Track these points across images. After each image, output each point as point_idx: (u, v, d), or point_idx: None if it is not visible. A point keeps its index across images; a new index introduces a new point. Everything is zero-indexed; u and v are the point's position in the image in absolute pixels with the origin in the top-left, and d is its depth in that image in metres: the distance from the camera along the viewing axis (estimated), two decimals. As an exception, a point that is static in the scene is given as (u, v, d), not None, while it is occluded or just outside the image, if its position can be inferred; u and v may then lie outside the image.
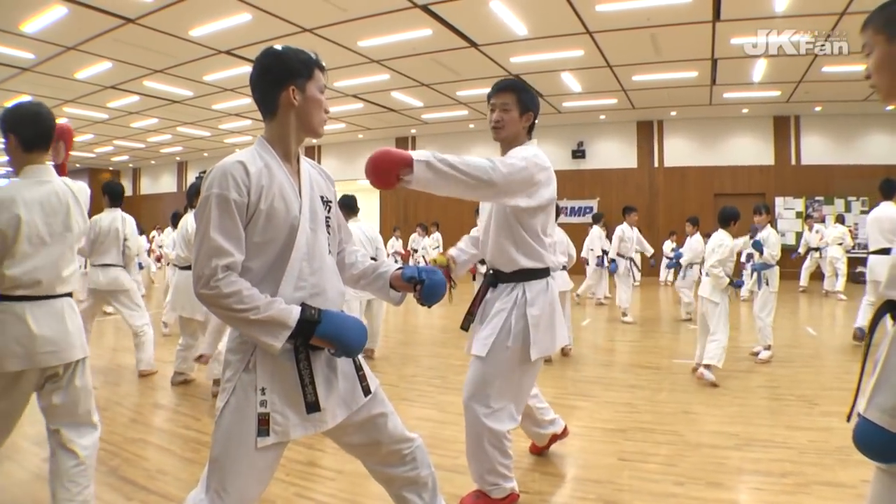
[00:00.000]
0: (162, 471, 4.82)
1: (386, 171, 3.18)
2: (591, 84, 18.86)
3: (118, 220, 7.92)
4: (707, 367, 7.25)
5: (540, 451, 5.26)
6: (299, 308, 2.47)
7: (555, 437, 5.18)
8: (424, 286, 2.87)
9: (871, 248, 9.04)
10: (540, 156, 3.91)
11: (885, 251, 8.57)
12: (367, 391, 2.79)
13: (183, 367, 7.54)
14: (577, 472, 4.96)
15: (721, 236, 7.88)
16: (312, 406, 2.53)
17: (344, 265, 3.01)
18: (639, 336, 11.01)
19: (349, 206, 8.48)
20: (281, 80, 2.59)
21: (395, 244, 21.37)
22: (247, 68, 16.29)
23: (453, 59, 16.17)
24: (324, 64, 2.72)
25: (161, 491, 4.41)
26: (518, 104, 4.06)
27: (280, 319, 2.41)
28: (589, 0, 12.37)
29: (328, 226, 2.76)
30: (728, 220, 7.99)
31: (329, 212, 2.79)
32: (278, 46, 2.65)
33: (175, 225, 11.39)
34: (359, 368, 2.80)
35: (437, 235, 20.65)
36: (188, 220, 7.17)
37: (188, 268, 7.20)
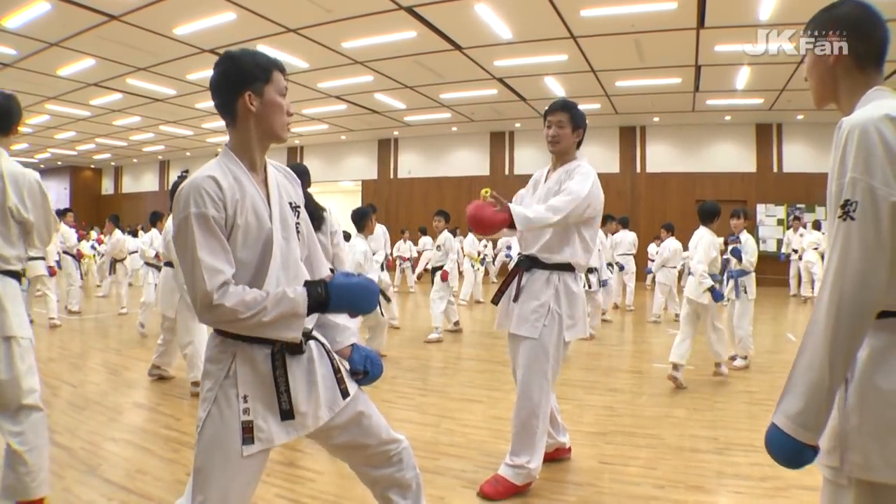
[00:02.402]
0: (142, 470, 4.78)
1: (489, 229, 4.22)
2: (574, 89, 18.90)
3: None
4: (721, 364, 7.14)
5: (555, 457, 5.22)
6: (305, 293, 2.45)
7: (561, 451, 5.18)
8: (367, 377, 2.89)
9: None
10: (592, 175, 4.71)
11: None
12: (345, 394, 2.75)
13: (160, 361, 7.54)
14: (558, 475, 4.95)
15: (702, 232, 7.89)
16: (287, 414, 2.52)
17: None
18: (620, 340, 11.04)
19: (355, 221, 8.80)
20: (237, 86, 2.51)
21: (403, 247, 20.36)
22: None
23: (437, 61, 16.18)
24: (283, 66, 2.66)
25: (141, 491, 4.38)
26: (571, 122, 4.84)
27: (291, 312, 2.40)
28: (574, 5, 12.40)
29: (298, 231, 2.72)
30: (709, 216, 7.95)
31: (298, 217, 2.75)
32: (235, 51, 2.57)
33: (154, 224, 11.36)
34: (336, 371, 2.75)
35: (425, 240, 20.35)
36: (172, 220, 7.14)
37: (169, 264, 7.18)
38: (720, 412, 6.59)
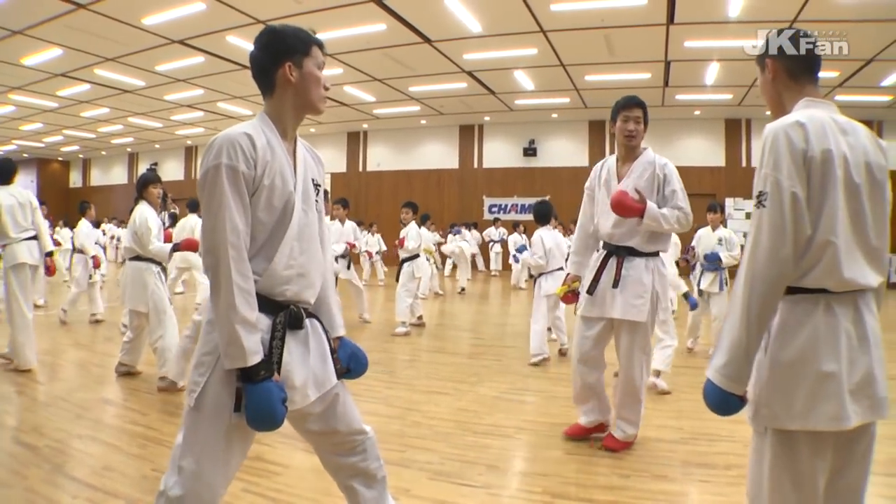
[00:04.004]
0: (108, 467, 4.69)
1: (628, 212, 4.81)
2: (543, 82, 18.99)
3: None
4: (658, 374, 7.12)
5: (576, 434, 5.48)
6: (260, 357, 2.43)
7: (600, 427, 5.44)
8: (348, 374, 2.99)
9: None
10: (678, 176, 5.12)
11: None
12: (339, 374, 2.85)
13: (127, 358, 7.41)
14: (524, 466, 4.99)
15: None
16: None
17: None
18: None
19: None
20: (278, 56, 2.60)
21: (372, 241, 20.24)
22: (199, 59, 16.23)
23: (407, 54, 16.18)
24: (322, 42, 2.73)
25: (107, 488, 4.30)
26: (644, 117, 5.09)
27: (242, 351, 2.38)
28: (544, -1, 12.37)
29: (317, 209, 2.79)
30: None
31: (318, 195, 2.82)
32: (277, 24, 2.68)
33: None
34: (333, 351, 2.85)
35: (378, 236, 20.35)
36: (138, 212, 7.04)
37: (137, 258, 7.10)
38: (685, 403, 6.64)
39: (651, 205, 4.81)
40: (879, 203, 2.37)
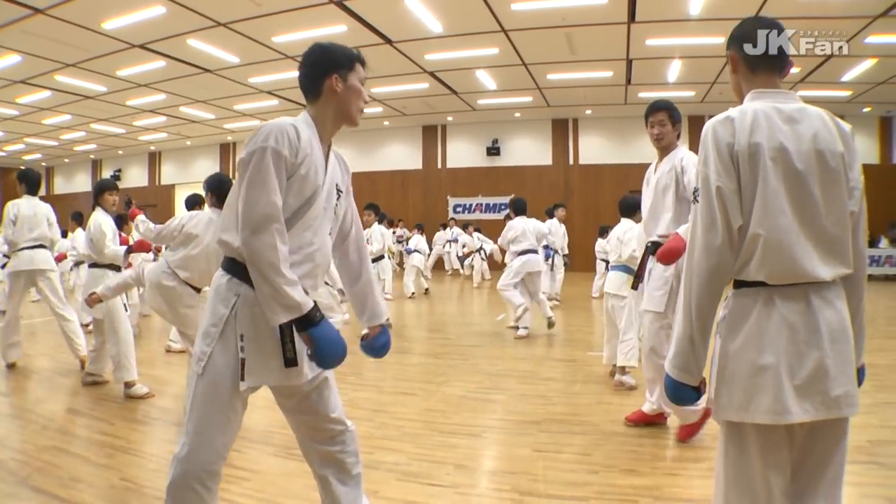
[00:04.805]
0: (76, 478, 4.60)
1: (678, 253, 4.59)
2: (506, 82, 19.06)
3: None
4: (623, 370, 7.11)
5: (637, 420, 5.70)
6: (312, 303, 2.65)
7: (660, 416, 5.68)
8: (376, 352, 3.35)
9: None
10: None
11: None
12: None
13: (93, 368, 7.33)
14: (492, 465, 4.99)
15: (628, 224, 7.59)
16: (291, 361, 2.72)
17: (344, 251, 3.27)
18: (553, 330, 11.08)
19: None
20: (327, 68, 2.86)
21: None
22: (161, 63, 16.14)
23: (368, 55, 15.57)
24: (365, 59, 3.01)
25: (75, 500, 4.23)
26: (670, 119, 5.36)
27: (296, 302, 2.57)
28: (504, -2, 12.41)
29: (334, 213, 2.97)
30: (632, 209, 7.63)
31: (338, 199, 2.99)
32: (325, 42, 2.97)
33: (78, 223, 11.25)
34: None
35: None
36: (93, 218, 7.00)
37: (95, 265, 7.05)
38: (653, 398, 6.66)
39: (679, 230, 4.82)
40: (835, 190, 2.34)
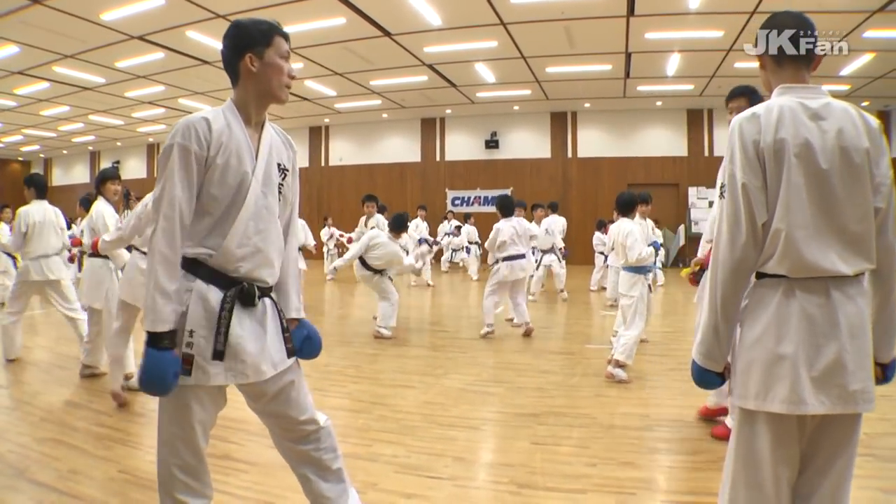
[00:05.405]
0: (74, 470, 4.60)
1: None
2: (504, 75, 19.01)
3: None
4: (618, 363, 7.08)
5: (703, 415, 5.72)
6: (168, 327, 2.58)
7: (723, 410, 5.56)
8: (301, 353, 3.10)
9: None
10: None
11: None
12: (290, 353, 2.96)
13: (90, 359, 7.32)
14: (490, 457, 5.01)
15: (628, 226, 7.44)
16: (218, 354, 2.66)
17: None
18: (550, 322, 11.10)
19: (400, 223, 9.96)
20: (240, 48, 2.80)
21: (326, 233, 20.79)
22: (159, 54, 16.08)
23: (367, 48, 16.09)
24: (286, 32, 2.91)
25: (73, 492, 4.23)
26: (750, 102, 5.00)
27: (153, 315, 2.55)
28: (503, -9, 12.37)
29: (280, 192, 2.93)
30: (629, 207, 7.64)
31: (283, 179, 2.96)
32: (241, 18, 2.87)
33: (86, 209, 11.21)
34: (285, 330, 2.96)
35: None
36: (96, 208, 6.98)
37: (95, 255, 7.04)
38: (651, 390, 6.72)
39: None
40: (858, 186, 2.35)
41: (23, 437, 5.37)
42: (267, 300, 2.89)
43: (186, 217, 2.63)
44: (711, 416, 5.60)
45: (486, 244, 9.67)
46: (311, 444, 3.08)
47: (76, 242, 10.88)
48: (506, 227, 9.63)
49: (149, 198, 5.88)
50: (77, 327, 7.85)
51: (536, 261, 13.53)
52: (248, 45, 2.79)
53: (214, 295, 2.69)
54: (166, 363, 2.55)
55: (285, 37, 2.89)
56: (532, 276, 12.81)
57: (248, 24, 2.82)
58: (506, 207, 9.86)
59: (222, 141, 2.69)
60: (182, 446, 2.71)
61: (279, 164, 2.94)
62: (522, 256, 9.69)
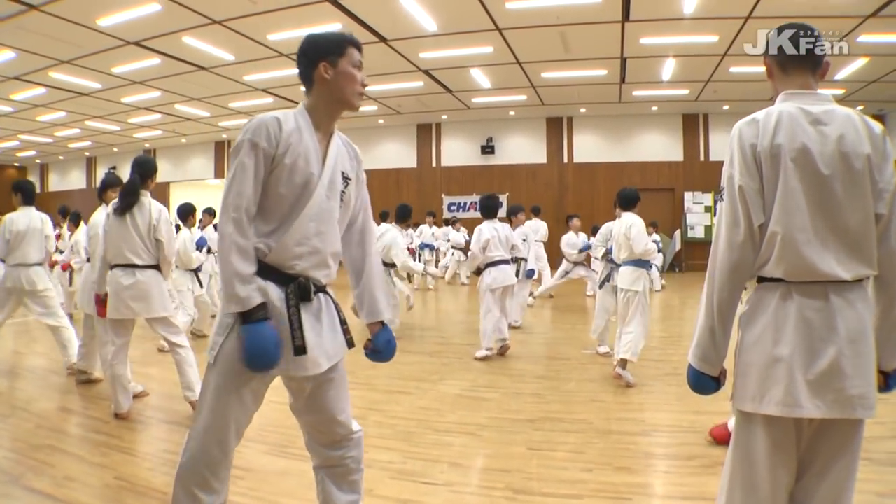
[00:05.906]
0: (70, 477, 4.59)
1: None
2: (500, 80, 19.05)
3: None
4: (624, 364, 7.07)
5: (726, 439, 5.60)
6: (256, 301, 2.67)
7: None
8: (378, 355, 3.30)
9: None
10: None
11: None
12: (350, 344, 3.08)
13: (83, 364, 7.30)
14: (486, 463, 4.98)
15: (631, 219, 7.42)
16: (300, 349, 2.75)
17: (347, 242, 3.20)
18: (544, 328, 11.10)
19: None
20: (314, 58, 2.90)
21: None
22: (156, 60, 16.08)
23: (363, 53, 16.00)
24: (359, 42, 3.00)
25: (69, 499, 4.22)
26: None
27: (238, 296, 2.63)
28: (498, -3, 12.40)
29: (342, 199, 2.99)
30: (631, 201, 7.61)
31: (346, 186, 3.02)
32: (315, 32, 2.99)
33: (75, 223, 11.17)
34: (343, 322, 3.05)
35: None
36: (96, 215, 6.98)
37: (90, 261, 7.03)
38: (647, 395, 6.71)
39: None
40: (858, 192, 2.36)
41: (18, 443, 5.36)
42: (321, 295, 2.95)
43: (252, 209, 2.71)
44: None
45: (472, 248, 9.31)
46: (341, 449, 3.13)
47: (65, 267, 10.84)
48: (488, 228, 9.15)
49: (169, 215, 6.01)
50: (59, 335, 7.76)
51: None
52: (322, 54, 2.88)
53: (273, 290, 2.76)
54: (266, 333, 2.64)
55: (358, 47, 2.98)
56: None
57: (324, 35, 2.94)
58: (489, 208, 9.37)
59: (291, 142, 2.77)
60: (213, 438, 2.74)
61: (343, 173, 3.01)
62: (506, 262, 9.26)
